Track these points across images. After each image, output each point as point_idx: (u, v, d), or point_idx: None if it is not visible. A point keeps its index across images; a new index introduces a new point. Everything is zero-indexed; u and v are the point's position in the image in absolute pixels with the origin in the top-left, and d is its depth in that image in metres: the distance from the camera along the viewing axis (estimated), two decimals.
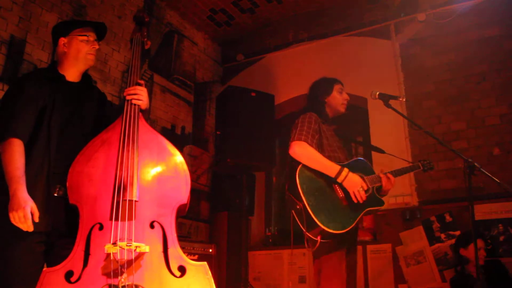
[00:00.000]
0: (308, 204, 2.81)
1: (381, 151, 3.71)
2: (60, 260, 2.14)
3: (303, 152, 3.01)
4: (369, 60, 5.65)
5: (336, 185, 2.99)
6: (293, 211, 2.96)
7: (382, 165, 3.41)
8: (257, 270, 5.79)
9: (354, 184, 2.97)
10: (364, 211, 3.00)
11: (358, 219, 2.95)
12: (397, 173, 3.27)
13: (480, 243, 4.11)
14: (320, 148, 3.17)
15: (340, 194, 2.97)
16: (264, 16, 6.55)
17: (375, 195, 3.13)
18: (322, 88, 3.46)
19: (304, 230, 2.87)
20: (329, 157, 3.10)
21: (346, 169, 3.00)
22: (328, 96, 3.41)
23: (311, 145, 3.05)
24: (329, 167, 3.00)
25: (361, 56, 5.76)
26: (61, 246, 2.32)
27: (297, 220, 2.91)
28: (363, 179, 3.06)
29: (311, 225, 2.81)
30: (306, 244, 2.96)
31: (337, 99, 3.41)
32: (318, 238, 2.82)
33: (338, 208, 2.92)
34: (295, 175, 2.93)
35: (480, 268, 4.08)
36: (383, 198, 3.19)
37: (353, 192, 2.96)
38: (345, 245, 3.00)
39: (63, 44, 2.62)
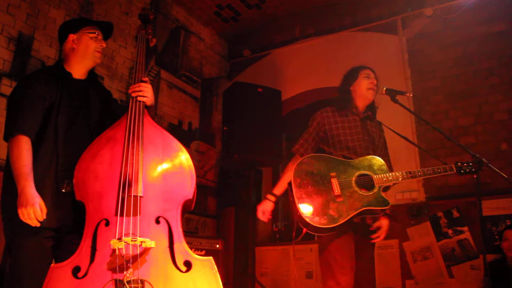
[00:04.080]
0: (296, 196, 2.83)
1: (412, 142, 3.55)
2: (68, 255, 2.17)
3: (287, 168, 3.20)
4: (376, 55, 5.61)
5: (332, 180, 2.92)
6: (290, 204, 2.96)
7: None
8: (264, 265, 5.80)
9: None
10: (361, 209, 2.85)
11: (352, 215, 2.82)
12: (427, 173, 3.01)
13: None
14: (327, 145, 3.16)
15: (336, 190, 2.88)
16: (270, 11, 6.54)
17: (380, 195, 2.94)
18: (347, 76, 3.36)
19: (294, 220, 2.88)
20: (341, 151, 3.10)
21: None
22: (353, 83, 3.28)
23: (304, 153, 3.15)
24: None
25: (368, 51, 5.73)
26: (70, 241, 2.36)
27: (291, 210, 2.93)
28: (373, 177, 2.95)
29: (299, 218, 2.81)
30: (293, 235, 3.00)
31: (362, 85, 3.25)
32: (304, 230, 2.84)
33: (330, 203, 2.85)
34: (292, 169, 2.95)
35: None
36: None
37: None
38: (352, 241, 2.95)
39: (72, 41, 2.65)
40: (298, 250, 5.61)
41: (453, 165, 2.94)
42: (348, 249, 2.94)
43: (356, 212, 2.85)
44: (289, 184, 2.92)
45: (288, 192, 2.97)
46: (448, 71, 5.29)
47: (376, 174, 2.98)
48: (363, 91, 3.24)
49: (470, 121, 5.05)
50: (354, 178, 2.95)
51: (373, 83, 3.24)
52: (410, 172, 2.97)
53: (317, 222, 2.76)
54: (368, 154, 3.10)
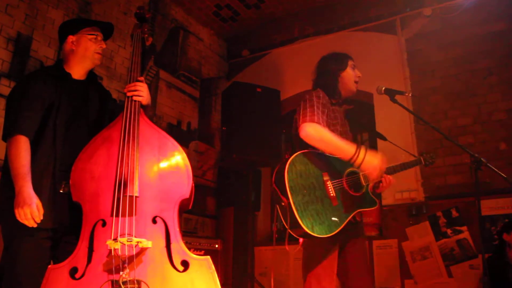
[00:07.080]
0: (294, 203, 2.51)
1: (383, 138, 3.39)
2: (66, 255, 2.17)
3: (316, 134, 2.71)
4: (375, 55, 5.62)
5: (327, 183, 2.69)
6: (277, 206, 2.66)
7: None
8: (263, 265, 5.80)
9: (373, 169, 2.69)
10: (354, 213, 2.73)
11: (346, 221, 2.66)
12: (396, 169, 3.01)
13: None
14: None
15: (331, 193, 2.66)
16: (269, 11, 6.53)
17: (369, 195, 2.86)
18: (335, 61, 3.10)
19: (287, 227, 2.57)
20: None
21: (363, 149, 2.69)
22: (343, 71, 3.04)
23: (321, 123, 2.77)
24: (346, 150, 2.70)
25: (367, 51, 5.73)
26: (68, 242, 2.36)
27: (281, 216, 2.61)
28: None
29: (295, 225, 2.51)
30: (286, 243, 2.62)
31: (351, 75, 3.05)
32: (301, 240, 2.61)
33: (327, 208, 2.61)
34: (284, 169, 2.60)
35: None
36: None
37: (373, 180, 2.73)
38: (337, 243, 2.77)
39: (71, 42, 2.64)
40: (297, 250, 5.61)
41: (421, 158, 3.21)
42: (334, 254, 2.77)
43: (351, 216, 2.70)
44: (281, 187, 2.59)
45: (277, 195, 2.63)
46: (447, 71, 5.29)
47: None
48: (351, 83, 3.07)
49: (469, 120, 5.05)
50: (344, 178, 2.78)
51: (359, 76, 3.10)
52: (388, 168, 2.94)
53: (317, 232, 2.51)
54: None
